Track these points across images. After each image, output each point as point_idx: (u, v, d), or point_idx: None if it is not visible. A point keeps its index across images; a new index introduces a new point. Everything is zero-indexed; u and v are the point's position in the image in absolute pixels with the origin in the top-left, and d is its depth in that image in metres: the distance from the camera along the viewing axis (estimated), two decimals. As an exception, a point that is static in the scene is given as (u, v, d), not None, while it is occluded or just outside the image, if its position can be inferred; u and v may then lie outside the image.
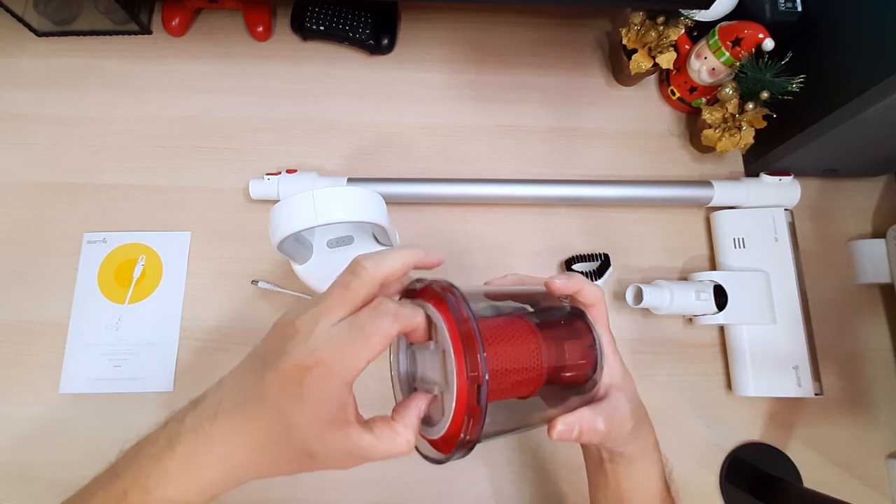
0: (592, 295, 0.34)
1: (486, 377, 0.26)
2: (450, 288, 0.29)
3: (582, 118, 0.64)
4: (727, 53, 0.54)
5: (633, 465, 0.36)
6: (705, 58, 0.56)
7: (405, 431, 0.28)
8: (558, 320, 0.34)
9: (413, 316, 0.28)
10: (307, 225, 0.41)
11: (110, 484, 0.28)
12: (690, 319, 0.57)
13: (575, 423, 0.31)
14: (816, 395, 0.52)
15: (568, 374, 0.32)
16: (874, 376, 0.56)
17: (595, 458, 0.37)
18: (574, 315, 0.34)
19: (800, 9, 0.54)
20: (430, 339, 0.29)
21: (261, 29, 0.64)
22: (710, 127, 0.57)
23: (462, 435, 0.27)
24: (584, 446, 0.39)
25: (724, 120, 0.56)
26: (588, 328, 0.33)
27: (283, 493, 0.52)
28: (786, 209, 0.57)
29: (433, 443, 0.30)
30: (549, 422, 0.32)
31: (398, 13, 0.66)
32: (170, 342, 0.55)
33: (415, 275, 0.32)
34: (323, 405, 0.26)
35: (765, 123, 0.54)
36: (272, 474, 0.28)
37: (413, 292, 0.32)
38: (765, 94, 0.52)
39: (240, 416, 0.27)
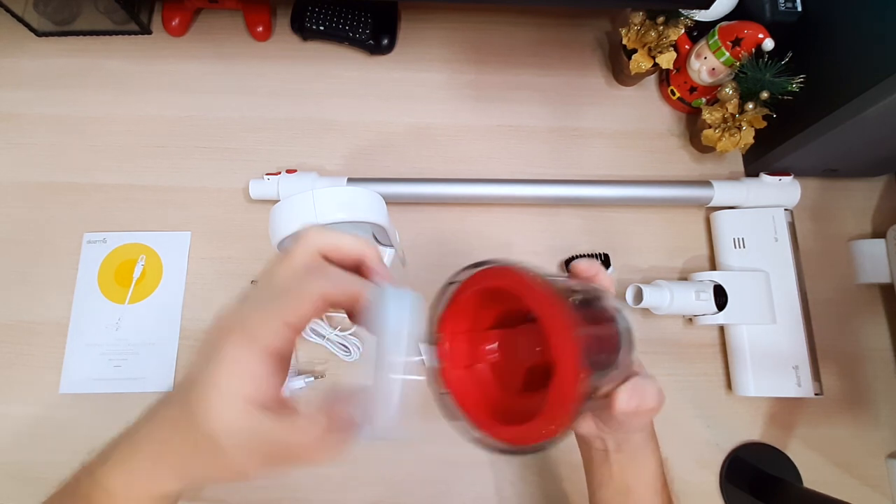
0: (606, 282, 0.35)
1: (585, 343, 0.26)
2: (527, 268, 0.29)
3: (582, 118, 0.64)
4: (727, 53, 0.54)
5: (638, 455, 0.37)
6: (705, 58, 0.56)
7: (318, 423, 0.23)
8: (588, 304, 0.35)
9: (352, 284, 0.24)
10: (307, 225, 0.41)
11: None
12: (690, 319, 0.57)
13: (634, 391, 0.32)
14: (816, 395, 0.52)
15: (604, 355, 0.33)
16: (874, 376, 0.56)
17: (599, 452, 0.38)
18: (598, 299, 0.35)
19: (800, 9, 0.54)
20: (357, 322, 0.26)
21: (261, 29, 0.64)
22: (710, 127, 0.57)
23: (576, 406, 0.26)
24: (585, 443, 0.40)
25: (724, 120, 0.56)
26: (612, 311, 0.34)
27: (283, 493, 0.52)
28: (786, 209, 0.57)
29: (521, 433, 0.29)
30: (598, 399, 0.32)
31: (398, 13, 0.66)
32: (170, 342, 0.55)
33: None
34: (233, 371, 0.22)
35: (765, 123, 0.54)
36: (194, 479, 0.25)
37: (472, 275, 0.31)
38: (765, 94, 0.52)
39: (159, 402, 0.25)
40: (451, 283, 0.33)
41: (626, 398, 0.31)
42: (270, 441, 0.22)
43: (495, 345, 0.34)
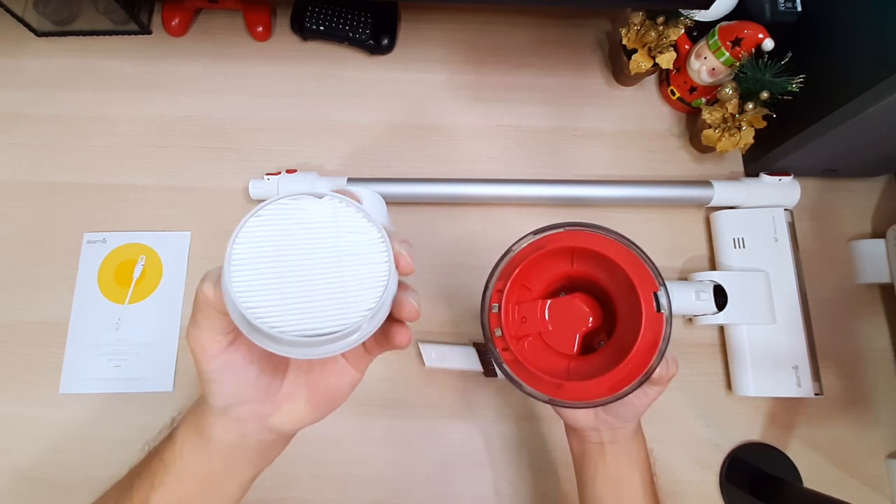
0: None
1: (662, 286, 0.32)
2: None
3: (582, 118, 0.64)
4: (727, 53, 0.54)
5: (631, 445, 0.38)
6: (705, 58, 0.56)
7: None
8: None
9: None
10: None
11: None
12: (690, 319, 0.57)
13: (668, 357, 0.33)
14: (816, 395, 0.52)
15: None
16: (874, 376, 0.56)
17: (593, 445, 0.39)
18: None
19: (800, 9, 0.54)
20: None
21: (261, 29, 0.64)
22: (710, 127, 0.57)
23: (662, 344, 0.31)
24: (578, 438, 0.40)
25: (724, 120, 0.56)
26: None
27: (283, 493, 0.52)
28: (786, 209, 0.57)
29: (593, 387, 0.33)
30: None
31: (398, 13, 0.66)
32: (170, 342, 0.55)
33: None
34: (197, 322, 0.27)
35: (765, 123, 0.54)
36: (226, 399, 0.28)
37: (549, 235, 0.35)
38: (765, 94, 0.52)
39: None
40: (508, 252, 0.36)
41: (661, 367, 0.33)
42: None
43: (546, 314, 0.37)
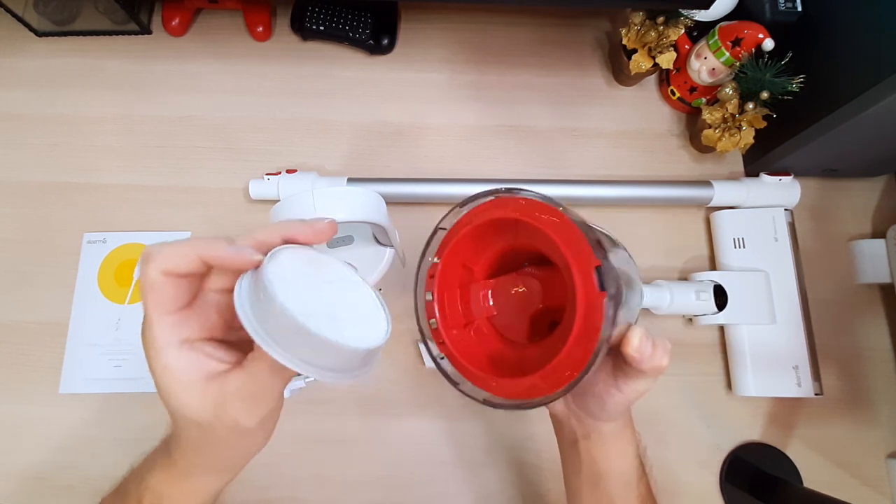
0: None
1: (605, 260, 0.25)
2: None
3: (582, 118, 0.64)
4: (727, 53, 0.54)
5: (608, 444, 0.35)
6: (705, 58, 0.56)
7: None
8: (590, 229, 0.32)
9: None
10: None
11: None
12: (690, 319, 0.57)
13: (647, 335, 0.29)
14: (816, 395, 0.52)
15: (615, 288, 0.30)
16: (874, 376, 0.56)
17: (569, 437, 0.37)
18: (601, 229, 0.33)
19: (800, 9, 0.54)
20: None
21: (261, 29, 0.64)
22: (710, 127, 0.57)
23: (601, 334, 0.24)
24: (558, 424, 0.38)
25: (724, 120, 0.56)
26: (618, 244, 0.33)
27: (283, 492, 0.52)
28: (786, 209, 0.57)
29: (537, 383, 0.27)
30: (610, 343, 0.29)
31: (398, 13, 0.66)
32: (170, 342, 0.55)
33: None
34: (158, 359, 0.27)
35: (765, 123, 0.54)
36: (218, 467, 0.30)
37: (476, 207, 0.30)
38: (765, 94, 0.52)
39: None
40: (438, 230, 0.31)
41: (637, 338, 0.28)
42: (222, 378, 0.26)
43: (490, 297, 0.32)
